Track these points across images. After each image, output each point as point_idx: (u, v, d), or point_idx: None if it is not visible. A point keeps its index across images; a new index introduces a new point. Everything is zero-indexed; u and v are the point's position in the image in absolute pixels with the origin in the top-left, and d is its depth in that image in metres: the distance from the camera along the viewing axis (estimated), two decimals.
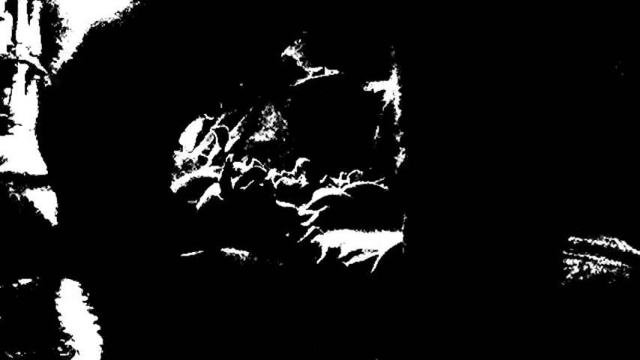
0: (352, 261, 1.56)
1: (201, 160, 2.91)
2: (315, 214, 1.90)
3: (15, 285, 1.47)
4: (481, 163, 1.36)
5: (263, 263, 1.67)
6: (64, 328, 1.15)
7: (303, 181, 2.48)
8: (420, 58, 1.47)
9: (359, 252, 1.59)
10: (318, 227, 1.79)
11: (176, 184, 1.98)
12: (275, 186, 2.39)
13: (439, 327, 1.19)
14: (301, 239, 1.75)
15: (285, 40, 1.91)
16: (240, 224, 1.84)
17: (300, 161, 2.64)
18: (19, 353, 1.03)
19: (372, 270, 1.52)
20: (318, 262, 1.63)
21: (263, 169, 2.39)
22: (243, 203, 1.86)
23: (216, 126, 3.35)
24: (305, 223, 1.88)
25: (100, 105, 1.65)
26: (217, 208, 1.93)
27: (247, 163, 2.73)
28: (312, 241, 1.75)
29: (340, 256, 1.63)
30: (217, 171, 2.47)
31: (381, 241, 1.64)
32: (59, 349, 1.03)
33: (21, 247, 1.81)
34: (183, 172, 2.32)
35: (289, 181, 2.52)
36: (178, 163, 2.49)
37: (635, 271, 1.30)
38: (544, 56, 1.40)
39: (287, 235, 1.80)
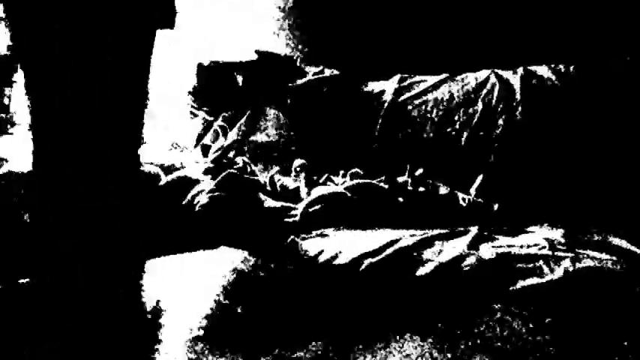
0: (342, 258, 1.57)
1: (204, 151, 2.91)
2: (310, 211, 1.90)
3: (15, 285, 1.47)
4: None
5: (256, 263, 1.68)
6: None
7: (302, 180, 2.48)
8: None
9: (351, 250, 1.59)
10: (311, 225, 1.80)
11: (164, 181, 1.98)
12: (269, 185, 2.40)
13: None
14: (293, 237, 1.76)
15: None
16: (231, 223, 1.84)
17: (297, 162, 2.65)
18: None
19: (361, 268, 1.52)
20: (306, 260, 1.63)
21: (253, 167, 2.39)
22: (232, 202, 1.86)
23: (219, 123, 3.36)
24: (296, 219, 1.88)
25: None
26: (211, 207, 1.93)
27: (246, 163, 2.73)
28: (303, 240, 1.75)
29: (331, 254, 1.63)
30: (208, 170, 2.47)
31: (376, 239, 1.64)
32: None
33: (21, 246, 1.82)
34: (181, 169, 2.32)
35: (288, 180, 2.53)
36: (177, 161, 2.50)
37: (629, 266, 1.30)
38: None
39: (278, 233, 1.80)
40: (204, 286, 1.49)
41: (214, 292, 1.42)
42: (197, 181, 2.02)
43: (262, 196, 2.10)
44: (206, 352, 1.03)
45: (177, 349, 1.05)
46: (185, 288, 1.51)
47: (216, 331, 1.14)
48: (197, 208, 1.92)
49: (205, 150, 3.19)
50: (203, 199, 1.95)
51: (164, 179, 1.99)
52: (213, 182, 2.04)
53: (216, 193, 1.95)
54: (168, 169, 2.22)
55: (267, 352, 1.04)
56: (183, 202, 1.93)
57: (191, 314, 1.25)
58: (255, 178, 2.35)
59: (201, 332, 1.12)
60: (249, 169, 2.51)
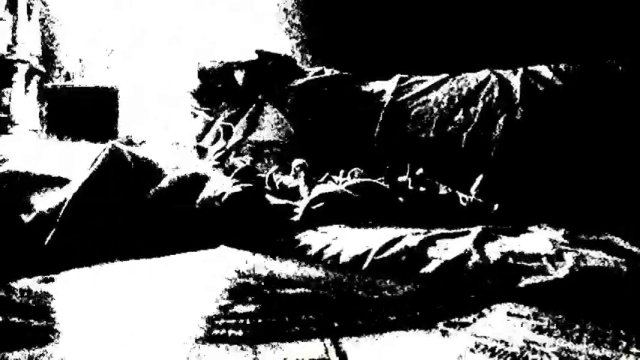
0: (345, 256, 1.57)
1: (200, 152, 2.91)
2: (312, 209, 1.91)
3: (15, 285, 1.46)
4: None
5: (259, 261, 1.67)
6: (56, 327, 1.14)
7: (302, 179, 2.48)
8: None
9: (352, 247, 1.60)
10: (314, 222, 1.80)
11: (169, 178, 1.97)
12: (268, 184, 2.40)
13: None
14: (295, 235, 1.76)
15: None
16: (235, 222, 1.84)
17: (296, 162, 2.64)
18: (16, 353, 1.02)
19: (365, 266, 1.53)
20: (310, 257, 1.64)
21: (257, 167, 2.39)
22: (237, 201, 1.86)
23: (221, 122, 3.36)
24: (296, 218, 1.89)
25: None
26: (217, 206, 1.93)
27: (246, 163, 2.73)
28: (305, 237, 1.76)
29: (333, 252, 1.63)
30: (215, 167, 2.47)
31: (379, 237, 1.64)
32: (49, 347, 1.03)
33: (20, 246, 1.81)
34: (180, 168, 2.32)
35: (287, 179, 2.52)
36: (177, 159, 2.50)
37: (631, 266, 1.30)
38: None
39: (280, 231, 1.80)
40: (204, 286, 1.49)
41: (214, 292, 1.42)
42: (207, 178, 2.01)
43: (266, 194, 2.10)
44: (207, 352, 1.03)
45: (177, 349, 1.04)
46: (185, 288, 1.50)
47: (217, 330, 1.14)
48: (223, 199, 1.91)
49: (201, 152, 3.19)
50: (228, 192, 1.94)
51: (170, 175, 1.98)
52: (226, 178, 2.04)
53: (237, 187, 1.94)
54: (172, 166, 2.21)
55: (268, 351, 1.03)
56: (202, 196, 1.92)
57: (191, 314, 1.24)
58: (261, 175, 2.35)
59: (202, 332, 1.12)
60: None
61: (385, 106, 3.07)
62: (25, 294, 1.35)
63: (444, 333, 1.11)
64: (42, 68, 4.74)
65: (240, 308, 1.28)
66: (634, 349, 1.01)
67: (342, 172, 2.59)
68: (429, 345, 1.06)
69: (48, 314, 1.22)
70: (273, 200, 2.03)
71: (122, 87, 4.66)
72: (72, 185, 1.93)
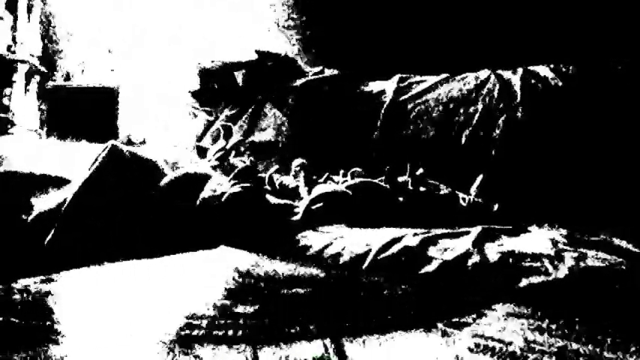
0: (345, 256, 1.57)
1: (200, 152, 2.91)
2: (312, 209, 1.91)
3: (15, 285, 1.46)
4: None
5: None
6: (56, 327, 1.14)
7: (302, 179, 2.48)
8: None
9: (352, 247, 1.60)
10: (314, 222, 1.81)
11: (169, 177, 1.97)
12: (268, 184, 2.40)
13: None
14: (295, 235, 1.76)
15: None
16: (235, 222, 1.84)
17: (296, 162, 2.64)
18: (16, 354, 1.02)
19: (365, 266, 1.53)
20: (309, 256, 1.64)
21: (257, 167, 2.39)
22: (237, 201, 1.86)
23: (221, 122, 3.36)
24: (296, 218, 1.89)
25: None
26: (216, 206, 1.93)
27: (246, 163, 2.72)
28: (305, 237, 1.76)
29: (333, 251, 1.63)
30: (215, 167, 2.47)
31: (379, 237, 1.65)
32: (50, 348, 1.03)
33: (20, 246, 1.81)
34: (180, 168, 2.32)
35: (287, 179, 2.52)
36: (177, 159, 2.50)
37: (630, 266, 1.30)
38: None
39: (280, 231, 1.81)
40: (204, 286, 1.49)
41: (214, 292, 1.42)
42: (208, 177, 2.01)
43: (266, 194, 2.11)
44: (207, 352, 1.02)
45: (177, 349, 1.04)
46: (185, 288, 1.50)
47: (217, 330, 1.14)
48: (223, 199, 1.91)
49: (201, 151, 3.19)
50: (227, 191, 1.94)
51: (170, 175, 1.98)
52: (226, 178, 2.05)
53: (237, 187, 1.95)
54: (172, 166, 2.21)
55: (268, 351, 1.03)
56: (202, 196, 1.92)
57: (191, 314, 1.24)
58: (261, 175, 2.36)
59: (202, 332, 1.12)
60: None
61: (385, 105, 3.07)
62: (25, 294, 1.35)
63: (444, 333, 1.10)
64: (42, 68, 4.74)
65: (240, 308, 1.28)
66: (633, 349, 1.02)
67: (342, 172, 2.59)
68: (429, 345, 1.05)
69: (48, 314, 1.22)
70: (273, 200, 2.04)
71: (122, 87, 4.66)
72: (72, 185, 1.93)
